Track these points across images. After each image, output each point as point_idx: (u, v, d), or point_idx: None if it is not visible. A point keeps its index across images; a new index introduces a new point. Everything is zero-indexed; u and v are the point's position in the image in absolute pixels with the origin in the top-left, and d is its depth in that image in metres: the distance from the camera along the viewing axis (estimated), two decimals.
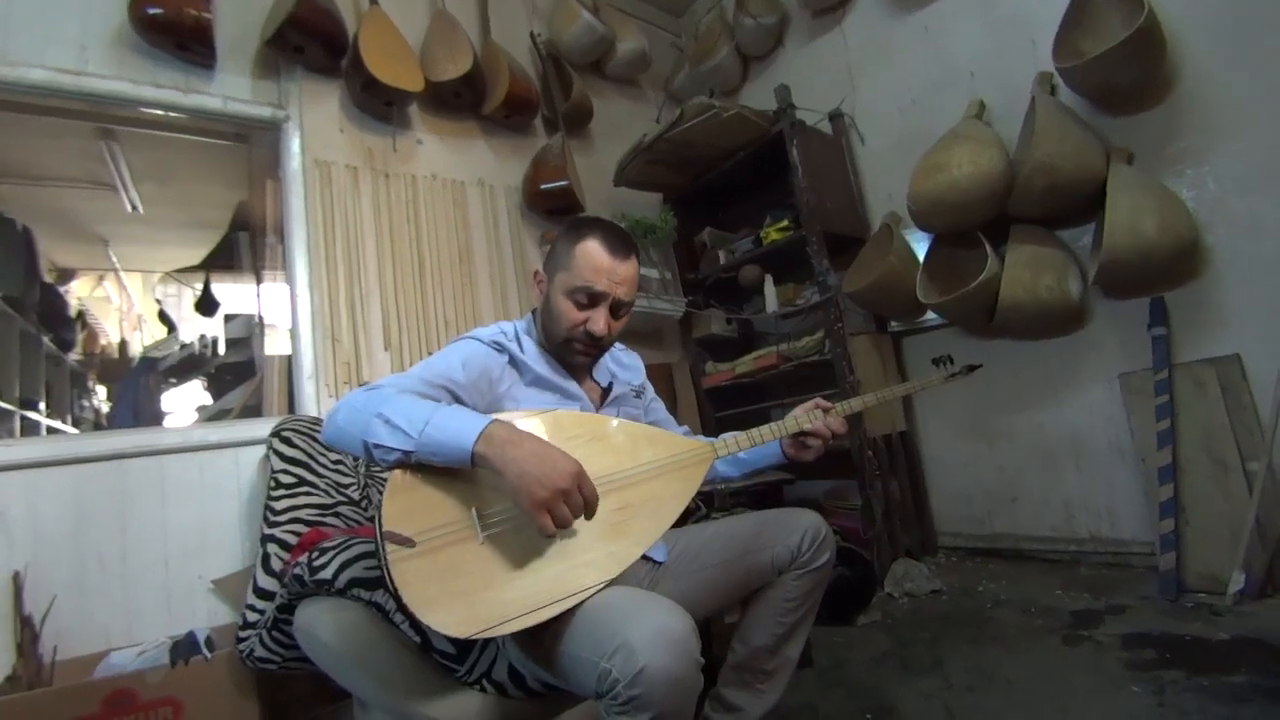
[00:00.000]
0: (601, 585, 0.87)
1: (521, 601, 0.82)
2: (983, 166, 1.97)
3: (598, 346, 1.10)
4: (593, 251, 1.05)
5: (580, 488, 0.82)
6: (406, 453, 0.84)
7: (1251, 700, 1.18)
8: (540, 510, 0.80)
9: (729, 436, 1.11)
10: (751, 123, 2.46)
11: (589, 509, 0.83)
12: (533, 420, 0.96)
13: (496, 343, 1.08)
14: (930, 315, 2.41)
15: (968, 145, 2.02)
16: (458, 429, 0.83)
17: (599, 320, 1.06)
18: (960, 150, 2.02)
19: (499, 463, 0.81)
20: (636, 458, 1.00)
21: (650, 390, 1.34)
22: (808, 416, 1.14)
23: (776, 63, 3.09)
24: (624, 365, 1.29)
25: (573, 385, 1.12)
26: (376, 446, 0.85)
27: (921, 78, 2.49)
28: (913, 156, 2.18)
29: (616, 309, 1.09)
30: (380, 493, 0.85)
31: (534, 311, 1.19)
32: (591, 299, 1.06)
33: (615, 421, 1.05)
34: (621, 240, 1.08)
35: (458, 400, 0.98)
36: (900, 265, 2.28)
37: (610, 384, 1.20)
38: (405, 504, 0.84)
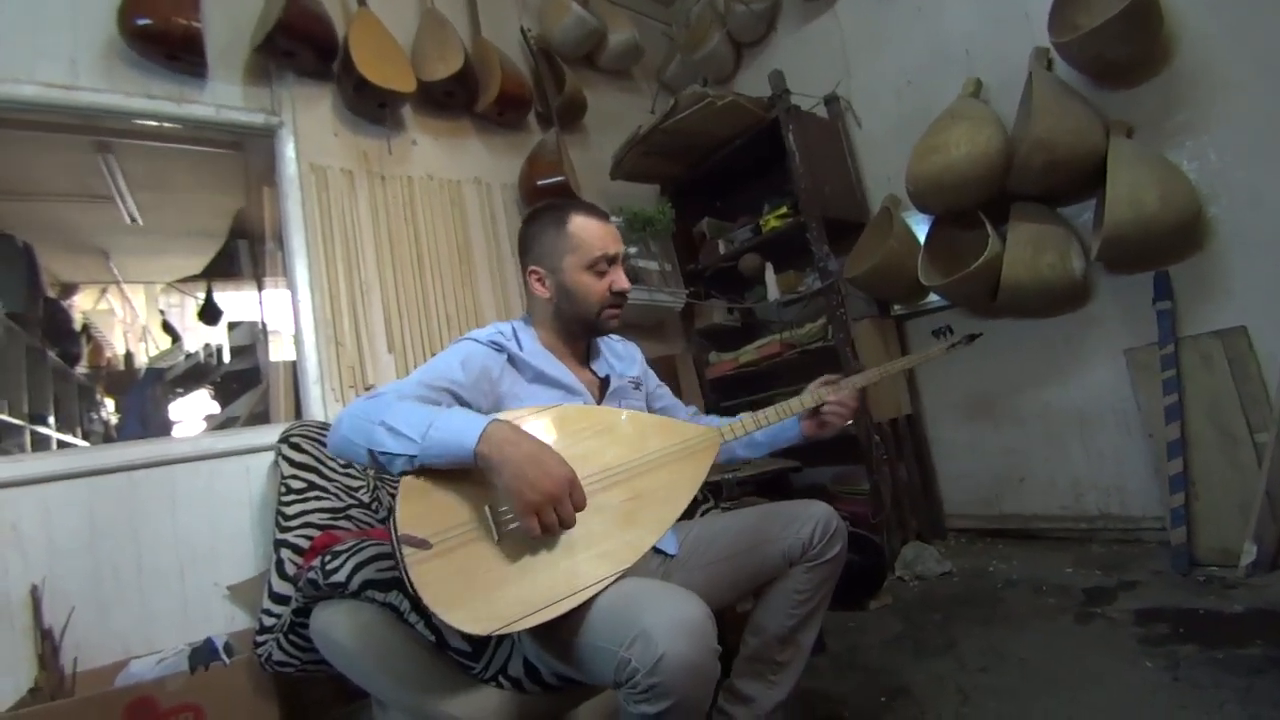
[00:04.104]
0: (617, 575, 0.87)
1: (540, 596, 0.83)
2: (981, 145, 1.95)
3: (625, 301, 1.17)
4: (588, 225, 1.13)
5: (571, 495, 0.84)
6: (411, 457, 0.84)
7: (1266, 672, 1.18)
8: (529, 514, 0.81)
9: (736, 419, 1.14)
10: (746, 110, 2.45)
11: (565, 523, 0.83)
12: (540, 417, 0.97)
13: (494, 342, 1.09)
14: (933, 297, 2.40)
15: (965, 124, 2.01)
16: (460, 429, 0.84)
17: (621, 277, 1.14)
18: (957, 130, 2.01)
19: (497, 462, 0.82)
20: (645, 447, 1.01)
21: (652, 378, 1.35)
22: (819, 393, 1.19)
23: (769, 48, 3.06)
24: (620, 356, 1.29)
25: (574, 379, 1.13)
26: (382, 454, 0.86)
27: (916, 58, 2.47)
28: (910, 138, 2.17)
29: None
30: (391, 495, 0.85)
31: (529, 310, 1.21)
32: (610, 262, 1.13)
33: (622, 413, 1.06)
34: (596, 206, 1.19)
35: (460, 401, 0.99)
36: (901, 248, 2.26)
37: (608, 376, 1.20)
38: (419, 508, 0.85)
